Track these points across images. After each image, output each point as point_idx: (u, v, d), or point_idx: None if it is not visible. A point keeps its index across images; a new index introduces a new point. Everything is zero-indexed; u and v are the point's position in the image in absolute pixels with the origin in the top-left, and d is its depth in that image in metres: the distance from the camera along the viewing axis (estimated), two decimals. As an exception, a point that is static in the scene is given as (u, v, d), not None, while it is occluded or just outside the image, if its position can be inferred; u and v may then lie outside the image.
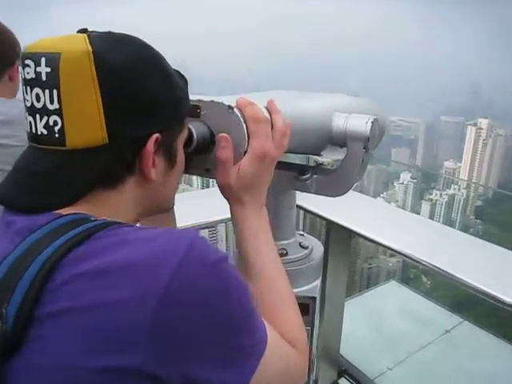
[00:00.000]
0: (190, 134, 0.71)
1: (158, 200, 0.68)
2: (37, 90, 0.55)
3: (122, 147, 0.57)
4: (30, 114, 0.57)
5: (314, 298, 1.05)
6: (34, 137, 0.57)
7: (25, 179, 0.57)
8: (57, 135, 0.55)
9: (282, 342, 0.64)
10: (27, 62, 0.55)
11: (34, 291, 0.46)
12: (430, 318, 2.68)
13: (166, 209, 0.76)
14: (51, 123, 0.55)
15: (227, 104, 0.72)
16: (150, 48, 0.60)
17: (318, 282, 1.10)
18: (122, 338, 0.45)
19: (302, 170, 1.00)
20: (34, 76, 0.54)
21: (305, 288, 1.06)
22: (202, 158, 0.76)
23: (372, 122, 0.92)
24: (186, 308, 0.48)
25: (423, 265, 1.53)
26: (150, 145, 0.59)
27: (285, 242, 1.10)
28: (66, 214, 0.54)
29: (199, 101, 0.74)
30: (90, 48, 0.53)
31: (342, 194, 1.00)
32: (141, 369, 0.45)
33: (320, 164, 1.07)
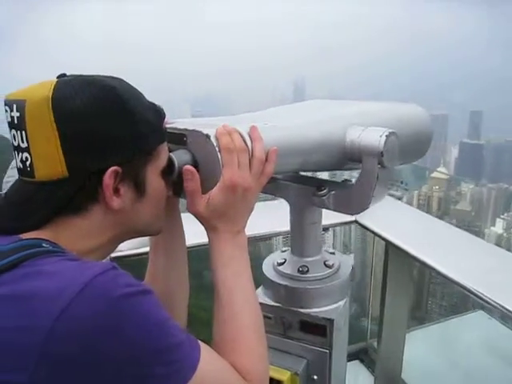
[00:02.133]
0: (171, 162, 0.74)
1: (133, 225, 0.73)
2: (13, 131, 0.65)
3: (83, 179, 0.64)
4: (13, 150, 0.66)
5: (331, 320, 1.00)
6: (17, 169, 0.67)
7: (4, 206, 0.67)
8: (28, 169, 0.64)
9: (228, 371, 0.67)
10: (5, 107, 0.65)
11: None
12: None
13: (149, 233, 0.81)
14: (24, 159, 0.64)
15: (205, 133, 0.74)
16: (115, 89, 0.66)
17: (340, 304, 1.04)
18: (15, 357, 0.51)
19: (319, 185, 0.97)
20: (10, 119, 0.65)
21: (323, 309, 1.02)
22: None
23: (387, 136, 0.86)
24: (70, 343, 0.51)
25: (493, 306, 1.34)
26: (108, 177, 0.64)
27: (308, 259, 1.07)
28: (25, 239, 0.62)
29: (185, 129, 0.77)
30: (50, 94, 0.61)
31: (359, 212, 0.94)
32: None
33: (345, 180, 1.03)
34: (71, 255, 0.63)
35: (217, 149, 0.72)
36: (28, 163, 0.64)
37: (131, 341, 0.55)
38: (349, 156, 0.91)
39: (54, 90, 0.62)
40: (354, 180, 0.95)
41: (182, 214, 0.89)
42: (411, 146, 1.10)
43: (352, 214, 0.97)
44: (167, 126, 0.77)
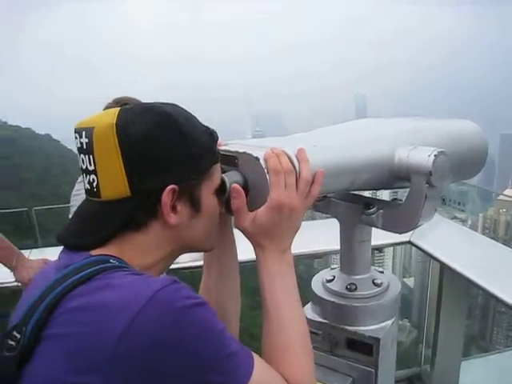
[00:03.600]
0: (223, 182, 0.79)
1: (188, 240, 0.78)
2: (82, 155, 0.71)
3: (143, 198, 0.69)
4: (81, 173, 0.73)
5: (377, 339, 1.00)
6: (85, 190, 0.74)
7: (75, 224, 0.74)
8: (95, 189, 0.70)
9: (279, 381, 0.70)
10: (75, 135, 0.72)
11: (43, 317, 0.61)
12: None
13: (202, 249, 0.85)
14: (91, 180, 0.71)
15: (255, 156, 0.78)
16: (171, 115, 0.72)
17: (387, 323, 1.04)
18: (90, 361, 0.57)
19: (367, 203, 0.98)
20: (79, 145, 0.71)
21: (370, 328, 1.02)
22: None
23: (435, 156, 0.86)
24: (139, 349, 0.57)
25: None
26: (166, 195, 0.69)
27: (356, 276, 1.08)
28: (95, 255, 0.69)
29: (236, 152, 0.81)
30: (114, 121, 0.68)
31: (407, 231, 0.95)
32: None
33: (394, 199, 1.04)
34: (135, 270, 0.69)
35: (265, 170, 0.76)
36: (95, 184, 0.70)
37: (192, 351, 0.59)
38: (397, 175, 0.92)
39: (117, 117, 0.68)
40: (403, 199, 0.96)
41: (236, 231, 0.94)
42: (463, 164, 1.09)
43: (400, 233, 0.97)
44: (220, 148, 0.82)
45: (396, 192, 1.58)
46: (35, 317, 0.61)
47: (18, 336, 0.60)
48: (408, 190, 0.94)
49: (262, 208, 0.77)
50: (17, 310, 0.68)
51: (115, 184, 0.69)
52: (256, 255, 0.81)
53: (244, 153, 0.80)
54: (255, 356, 0.67)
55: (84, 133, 0.70)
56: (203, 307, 0.63)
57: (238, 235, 0.86)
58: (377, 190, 1.19)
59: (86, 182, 0.72)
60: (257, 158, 0.78)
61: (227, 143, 0.86)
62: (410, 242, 1.81)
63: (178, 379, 0.59)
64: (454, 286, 1.77)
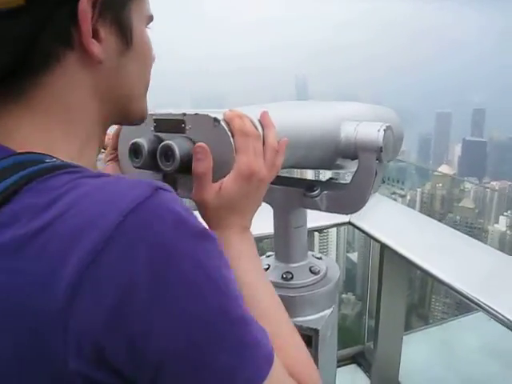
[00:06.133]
0: (171, 150, 0.64)
1: (118, 90, 0.54)
2: None
3: (47, 8, 0.44)
4: None
5: (316, 331, 0.94)
6: None
7: None
8: None
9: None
10: None
11: None
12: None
13: (132, 111, 0.59)
14: None
15: (213, 116, 0.65)
16: None
17: (326, 313, 0.99)
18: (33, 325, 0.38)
19: (310, 185, 0.92)
20: None
21: (308, 318, 0.97)
22: (189, 179, 0.66)
23: (385, 130, 0.82)
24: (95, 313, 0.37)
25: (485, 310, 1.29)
26: (83, 8, 0.45)
27: (293, 264, 1.01)
28: (20, 153, 0.44)
29: (183, 114, 0.67)
30: None
31: (356, 211, 0.90)
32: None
33: (330, 179, 0.98)
34: (89, 172, 0.45)
35: (229, 133, 0.64)
36: None
37: (187, 313, 0.40)
38: (342, 153, 0.87)
39: None
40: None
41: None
42: (394, 143, 1.08)
43: (347, 214, 0.93)
44: (160, 112, 0.68)
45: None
46: None
47: None
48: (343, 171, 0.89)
49: (228, 177, 0.63)
50: None
51: None
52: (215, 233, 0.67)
53: (196, 114, 0.67)
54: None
55: None
56: (212, 243, 0.43)
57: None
58: (314, 169, 1.15)
59: None
60: (216, 120, 0.64)
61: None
62: (349, 223, 1.79)
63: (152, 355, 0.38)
64: (393, 264, 1.78)
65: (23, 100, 0.47)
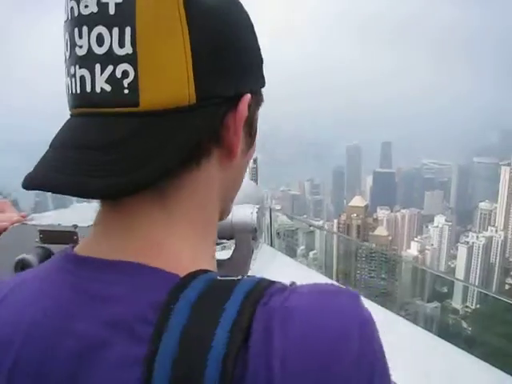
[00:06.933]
0: None
1: (230, 191, 0.51)
2: (100, 28, 0.38)
3: (211, 110, 0.41)
4: (82, 67, 0.39)
5: None
6: (86, 98, 0.40)
7: (73, 157, 0.39)
8: (126, 91, 0.38)
9: None
10: None
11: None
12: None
13: (226, 213, 0.54)
14: (118, 74, 0.38)
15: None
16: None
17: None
18: None
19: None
20: (95, 10, 0.38)
21: None
22: None
23: (257, 212, 0.88)
24: None
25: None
26: (244, 107, 0.43)
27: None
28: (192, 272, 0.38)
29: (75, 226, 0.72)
30: None
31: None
32: None
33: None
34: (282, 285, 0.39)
35: None
36: (127, 81, 0.38)
37: None
38: (219, 234, 0.91)
39: None
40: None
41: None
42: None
43: None
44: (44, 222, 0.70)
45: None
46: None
47: None
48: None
49: None
50: None
51: (173, 83, 0.39)
52: None
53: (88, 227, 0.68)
54: None
55: None
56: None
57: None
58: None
59: (104, 79, 0.39)
60: None
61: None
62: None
63: None
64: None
65: (163, 203, 0.42)
